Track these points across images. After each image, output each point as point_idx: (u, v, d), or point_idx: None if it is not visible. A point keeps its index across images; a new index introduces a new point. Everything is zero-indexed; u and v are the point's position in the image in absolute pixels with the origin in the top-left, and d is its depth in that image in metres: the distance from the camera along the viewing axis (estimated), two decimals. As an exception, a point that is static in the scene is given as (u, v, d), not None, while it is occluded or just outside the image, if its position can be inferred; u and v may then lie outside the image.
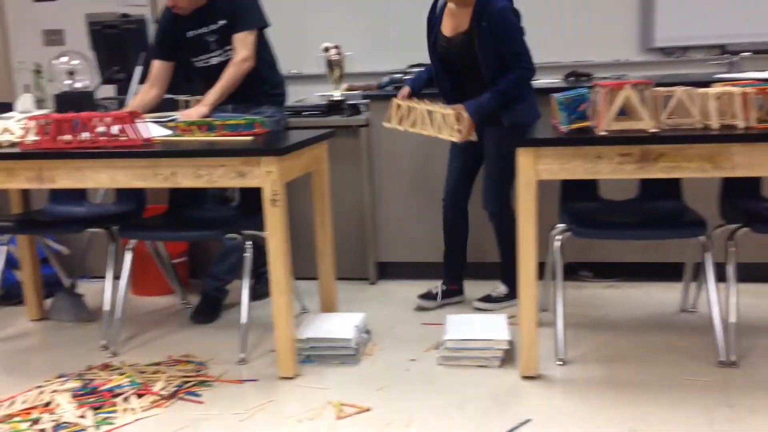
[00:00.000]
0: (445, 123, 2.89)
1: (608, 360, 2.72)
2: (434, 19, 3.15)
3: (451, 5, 3.06)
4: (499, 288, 3.34)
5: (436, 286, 3.35)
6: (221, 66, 3.22)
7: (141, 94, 3.34)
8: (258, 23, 3.26)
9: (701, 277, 3.07)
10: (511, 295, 3.29)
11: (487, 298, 3.31)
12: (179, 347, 3.01)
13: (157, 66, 3.32)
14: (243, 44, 3.19)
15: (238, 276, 3.38)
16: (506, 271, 3.31)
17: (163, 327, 3.27)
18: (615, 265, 3.66)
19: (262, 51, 3.28)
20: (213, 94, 3.15)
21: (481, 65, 3.01)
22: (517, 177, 2.47)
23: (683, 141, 2.31)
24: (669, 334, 2.94)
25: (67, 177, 2.63)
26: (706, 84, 2.56)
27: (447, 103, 3.16)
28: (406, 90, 3.19)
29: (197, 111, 3.09)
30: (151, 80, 3.33)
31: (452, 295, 3.36)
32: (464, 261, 3.38)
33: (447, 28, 3.11)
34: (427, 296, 3.32)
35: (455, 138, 2.87)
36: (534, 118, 3.06)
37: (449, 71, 3.16)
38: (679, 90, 2.40)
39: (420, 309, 3.30)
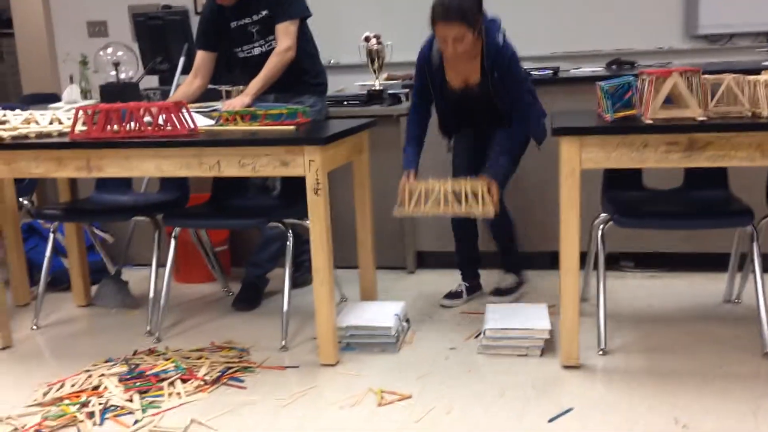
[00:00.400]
0: (475, 199, 2.81)
1: (650, 350, 2.70)
2: (433, 71, 3.00)
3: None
4: (507, 279, 3.32)
5: (459, 284, 3.31)
6: (263, 56, 3.25)
7: (185, 85, 3.38)
8: (300, 13, 3.27)
9: (746, 268, 3.04)
10: (521, 281, 3.28)
11: (498, 291, 3.29)
12: (221, 334, 3.05)
13: (201, 56, 3.36)
14: (285, 34, 3.20)
15: (279, 264, 3.44)
16: (508, 261, 3.30)
17: (205, 314, 3.33)
18: (657, 255, 3.62)
19: (304, 41, 3.30)
20: (255, 84, 3.18)
21: (500, 104, 2.98)
22: (560, 166, 2.45)
23: (732, 129, 2.27)
24: (712, 325, 2.91)
25: (114, 166, 2.68)
26: (754, 72, 2.52)
27: (448, 132, 3.15)
28: (411, 173, 2.97)
29: (240, 101, 3.12)
30: (195, 71, 3.37)
31: (477, 290, 3.34)
32: (479, 254, 3.33)
33: (454, 79, 2.99)
34: (452, 296, 3.29)
35: (490, 214, 2.78)
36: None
37: (457, 110, 3.09)
38: (727, 77, 2.36)
39: (445, 308, 3.27)
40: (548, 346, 2.70)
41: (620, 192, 2.98)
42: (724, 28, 4.30)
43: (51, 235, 3.26)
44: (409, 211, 2.84)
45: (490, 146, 3.07)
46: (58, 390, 2.56)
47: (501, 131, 3.01)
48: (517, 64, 2.94)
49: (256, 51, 3.31)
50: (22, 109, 3.12)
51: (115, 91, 3.47)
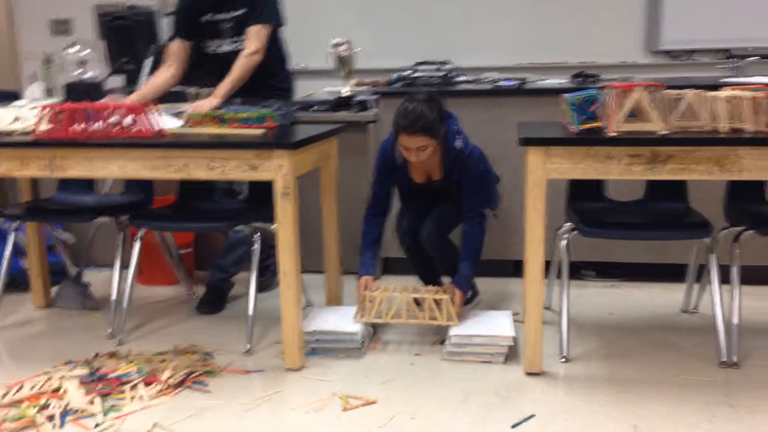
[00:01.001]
0: (438, 309, 2.84)
1: (611, 358, 2.75)
2: (397, 167, 3.03)
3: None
4: None
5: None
6: (231, 54, 3.21)
7: (158, 74, 3.30)
8: (275, 20, 3.25)
9: (703, 279, 3.11)
10: (475, 293, 3.31)
11: None
12: (185, 337, 3.03)
13: (176, 45, 3.30)
14: (256, 37, 3.18)
15: (244, 268, 3.42)
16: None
17: (169, 317, 3.30)
18: (617, 265, 3.69)
19: (275, 46, 3.29)
20: (224, 86, 3.14)
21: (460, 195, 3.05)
22: (526, 176, 2.50)
23: (693, 143, 2.34)
24: (671, 334, 2.98)
25: (78, 166, 2.65)
26: (714, 87, 2.59)
27: (412, 210, 3.15)
28: (369, 280, 3.00)
29: (209, 103, 3.09)
30: (169, 59, 3.30)
31: None
32: (438, 271, 3.28)
33: (418, 176, 3.06)
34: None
35: (453, 323, 2.80)
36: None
37: (420, 194, 3.15)
38: (689, 93, 2.43)
39: None
40: (512, 353, 2.74)
41: (584, 202, 3.04)
42: (685, 44, 4.40)
43: (11, 235, 3.20)
44: (370, 319, 2.87)
45: (444, 197, 3.12)
46: (16, 392, 2.51)
47: (462, 235, 3.03)
48: (474, 161, 2.99)
49: (225, 48, 3.27)
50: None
51: (80, 91, 3.42)
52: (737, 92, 2.43)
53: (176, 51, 3.30)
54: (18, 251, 3.56)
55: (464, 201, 3.02)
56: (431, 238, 3.04)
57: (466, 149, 2.98)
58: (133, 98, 3.13)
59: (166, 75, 3.29)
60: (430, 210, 3.11)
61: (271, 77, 3.33)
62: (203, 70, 3.40)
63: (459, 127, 3.01)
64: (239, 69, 3.16)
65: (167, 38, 3.36)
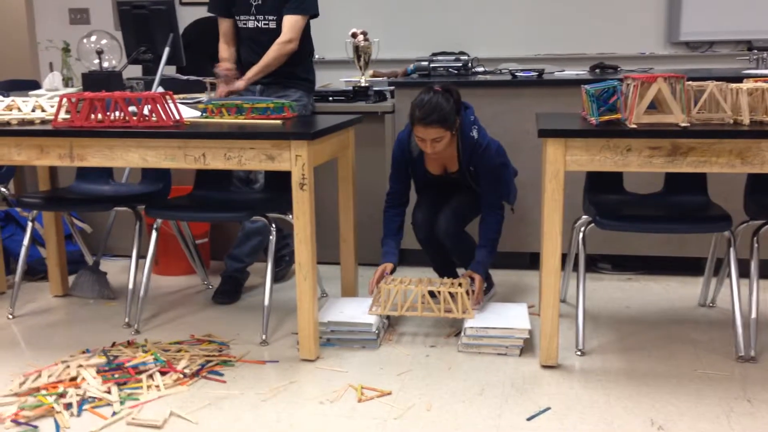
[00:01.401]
0: (454, 301, 2.83)
1: (627, 351, 2.74)
2: (413, 159, 3.04)
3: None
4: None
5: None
6: (257, 31, 3.33)
7: (225, 52, 3.41)
8: (312, 10, 3.33)
9: (721, 273, 3.09)
10: (490, 285, 3.30)
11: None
12: (201, 327, 3.04)
13: (224, 24, 3.41)
14: (292, 27, 3.26)
15: (258, 258, 3.43)
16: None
17: (185, 307, 3.31)
18: (633, 258, 3.67)
19: (304, 37, 3.34)
20: (253, 71, 3.25)
21: (477, 189, 3.05)
22: (544, 168, 2.48)
23: (714, 136, 2.31)
24: (688, 327, 2.96)
25: (98, 155, 2.66)
26: (735, 79, 2.56)
27: (428, 202, 3.13)
28: (389, 267, 3.00)
29: (235, 85, 3.18)
30: (226, 39, 3.42)
31: None
32: (454, 263, 3.27)
33: (433, 168, 3.06)
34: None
35: (469, 316, 2.80)
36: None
37: (436, 186, 3.15)
38: (711, 85, 2.40)
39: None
40: (527, 346, 2.73)
41: (602, 195, 3.02)
42: (705, 36, 4.36)
43: (29, 224, 3.22)
44: (385, 312, 2.87)
45: (461, 188, 3.12)
46: (34, 380, 2.53)
47: (480, 224, 3.04)
48: (491, 154, 2.98)
49: (251, 24, 3.35)
50: (3, 96, 3.08)
51: (99, 80, 3.42)
52: (759, 84, 2.40)
53: (226, 30, 3.42)
54: (36, 240, 3.59)
55: (482, 193, 3.02)
56: (448, 230, 3.03)
57: (483, 140, 2.96)
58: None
59: (230, 53, 3.42)
60: (446, 202, 3.11)
61: (295, 66, 3.36)
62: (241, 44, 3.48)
63: (475, 118, 2.99)
64: (271, 56, 3.25)
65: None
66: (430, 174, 3.10)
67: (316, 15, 3.37)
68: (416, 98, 2.84)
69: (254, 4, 3.31)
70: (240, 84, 3.23)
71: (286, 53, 3.26)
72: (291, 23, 3.27)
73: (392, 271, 3.03)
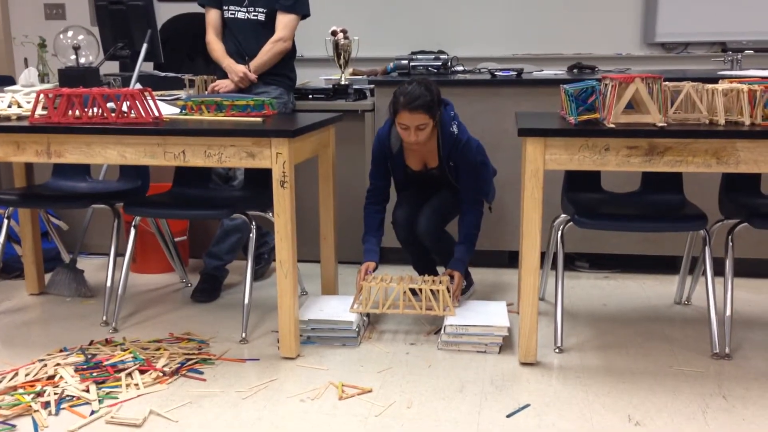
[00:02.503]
0: (435, 299, 2.85)
1: (605, 349, 2.77)
2: (393, 155, 3.05)
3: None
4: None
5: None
6: (246, 22, 3.36)
7: (216, 43, 3.43)
8: (304, 11, 3.39)
9: (696, 271, 3.14)
10: (469, 283, 3.35)
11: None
12: (180, 325, 3.03)
13: (214, 16, 3.43)
14: (285, 26, 3.32)
15: (237, 256, 3.42)
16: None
17: (163, 305, 3.29)
18: (611, 256, 3.71)
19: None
20: (255, 63, 3.32)
21: (456, 185, 3.07)
22: (524, 167, 2.50)
23: (690, 136, 2.34)
24: (664, 325, 3.00)
25: (75, 152, 2.63)
26: (711, 80, 2.60)
27: (408, 200, 3.16)
28: (371, 266, 3.03)
29: (250, 78, 3.33)
30: (215, 31, 3.44)
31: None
32: (434, 260, 3.30)
33: (414, 163, 3.08)
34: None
35: (450, 314, 2.81)
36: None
37: (416, 183, 3.16)
38: (687, 85, 2.44)
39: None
40: (506, 344, 2.75)
41: (580, 194, 3.05)
42: (680, 37, 4.42)
43: (5, 221, 3.18)
44: (367, 310, 2.88)
45: (440, 188, 3.14)
46: (11, 379, 2.50)
47: (459, 221, 3.07)
48: (471, 150, 3.01)
49: (240, 15, 3.37)
50: (-21, 92, 3.04)
51: (75, 76, 3.39)
52: (735, 85, 2.44)
53: (215, 22, 3.44)
54: (11, 237, 3.54)
55: (462, 189, 3.04)
56: (428, 229, 3.05)
57: (463, 136, 2.99)
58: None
59: (221, 45, 3.44)
60: (426, 201, 3.12)
61: (280, 65, 3.40)
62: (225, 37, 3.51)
63: (455, 114, 3.01)
64: (266, 54, 3.32)
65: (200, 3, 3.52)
66: (410, 170, 3.11)
67: (307, 15, 3.42)
68: (398, 88, 2.86)
69: None
70: (253, 77, 3.33)
71: (280, 51, 3.33)
72: (285, 22, 3.32)
73: (374, 269, 3.03)
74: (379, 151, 3.07)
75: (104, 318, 3.04)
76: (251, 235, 2.95)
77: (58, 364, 2.60)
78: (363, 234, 3.12)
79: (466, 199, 3.04)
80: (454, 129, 2.96)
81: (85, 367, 2.59)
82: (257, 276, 3.56)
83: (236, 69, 3.31)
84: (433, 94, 2.85)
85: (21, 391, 2.42)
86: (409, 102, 2.80)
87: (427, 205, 3.10)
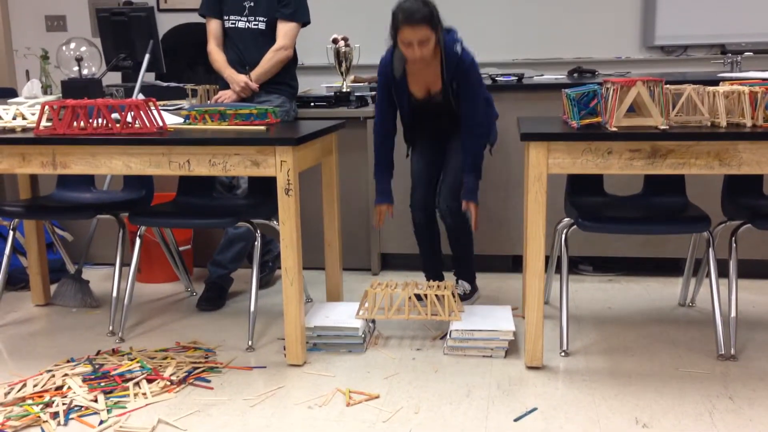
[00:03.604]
0: (440, 304, 2.86)
1: (610, 351, 2.77)
2: (396, 82, 3.04)
3: (413, 67, 3.00)
4: (463, 285, 3.34)
5: (461, 285, 3.34)
6: (246, 32, 3.37)
7: (218, 54, 3.44)
8: (305, 19, 3.41)
9: (700, 273, 3.14)
10: (474, 289, 3.35)
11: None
12: (186, 334, 3.04)
13: (215, 26, 3.45)
14: (286, 34, 3.34)
15: (242, 264, 3.43)
16: (467, 267, 3.34)
17: (169, 314, 3.30)
18: (614, 259, 3.72)
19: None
20: (256, 73, 3.34)
21: (459, 111, 3.05)
22: (527, 171, 2.51)
23: (693, 138, 2.36)
24: (669, 327, 3.00)
25: (81, 162, 2.65)
26: (711, 82, 2.62)
27: (411, 139, 3.19)
28: (391, 209, 3.11)
29: (252, 87, 3.34)
30: (217, 41, 3.45)
31: None
32: (441, 257, 3.36)
33: (417, 89, 3.06)
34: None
35: (456, 319, 2.82)
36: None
37: (420, 117, 3.17)
38: (688, 88, 2.45)
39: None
40: (512, 348, 2.76)
41: (583, 197, 3.06)
42: (680, 40, 4.44)
43: (11, 233, 3.19)
44: (372, 316, 2.90)
45: (448, 156, 3.15)
46: (19, 390, 2.51)
47: (462, 149, 3.06)
48: (476, 72, 3.01)
49: (241, 25, 3.38)
50: (-17, 104, 3.06)
51: (78, 87, 3.41)
52: (736, 87, 2.45)
53: (216, 32, 3.45)
54: (16, 249, 3.55)
55: (463, 114, 3.02)
56: (451, 208, 3.11)
57: (467, 57, 2.97)
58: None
59: (223, 56, 3.44)
60: (443, 180, 3.15)
61: (281, 73, 3.41)
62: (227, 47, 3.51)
63: (461, 39, 3.00)
64: (267, 62, 3.33)
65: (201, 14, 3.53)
66: (414, 99, 3.08)
67: (308, 23, 3.44)
68: (394, 8, 2.87)
69: (247, 6, 3.35)
70: (254, 86, 3.34)
71: (281, 60, 3.35)
72: (285, 30, 3.33)
73: (392, 212, 3.12)
74: (383, 78, 3.07)
75: (110, 328, 3.05)
76: (256, 243, 2.95)
77: (65, 375, 2.61)
78: (374, 172, 3.15)
79: (468, 125, 3.01)
80: (458, 49, 2.94)
81: (92, 377, 2.59)
82: (262, 284, 3.57)
83: (238, 79, 3.33)
84: (431, 6, 2.85)
85: (29, 402, 2.43)
86: (408, 17, 2.79)
87: (443, 184, 3.14)
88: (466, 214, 3.13)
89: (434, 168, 3.21)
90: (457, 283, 3.33)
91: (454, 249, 3.28)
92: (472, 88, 2.99)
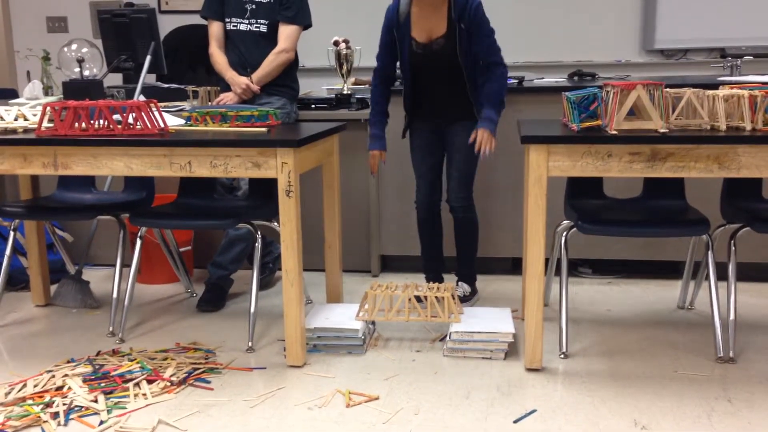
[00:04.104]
0: (440, 306, 2.87)
1: (609, 354, 2.78)
2: (400, 25, 3.06)
3: (419, 9, 3.03)
4: (463, 287, 3.35)
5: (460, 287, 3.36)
6: (247, 34, 3.39)
7: (219, 56, 3.45)
8: (307, 22, 3.43)
9: (699, 276, 3.15)
10: (474, 291, 3.37)
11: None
12: (186, 335, 3.04)
13: (216, 28, 3.46)
14: (288, 37, 3.36)
15: (242, 266, 3.44)
16: (469, 269, 3.36)
17: (169, 315, 3.30)
18: (613, 262, 3.73)
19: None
20: (258, 75, 3.36)
21: (462, 65, 3.04)
22: (527, 174, 2.52)
23: (692, 141, 2.37)
24: (668, 330, 3.01)
25: (82, 163, 2.66)
26: (711, 86, 2.63)
27: (410, 108, 3.19)
28: (384, 156, 3.16)
29: (253, 89, 3.36)
30: (218, 43, 3.47)
31: None
32: (443, 258, 3.40)
33: (419, 34, 3.07)
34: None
35: (455, 320, 2.83)
36: None
37: (420, 74, 3.15)
38: (688, 91, 2.46)
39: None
40: (512, 350, 2.76)
41: (582, 200, 3.07)
42: (679, 44, 4.45)
43: (11, 234, 3.19)
44: (372, 317, 2.91)
45: (453, 151, 3.16)
46: (20, 390, 2.52)
47: (484, 96, 3.06)
48: (484, 14, 3.04)
49: (242, 27, 3.40)
50: (-15, 105, 3.06)
51: (80, 89, 3.41)
52: (735, 91, 2.46)
53: (218, 34, 3.47)
54: (16, 249, 3.56)
55: (480, 52, 3.03)
56: (461, 201, 3.18)
57: (475, 0, 3.01)
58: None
59: (224, 58, 3.46)
60: (448, 174, 3.19)
61: (282, 75, 3.42)
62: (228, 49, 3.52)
63: None
64: (269, 64, 3.35)
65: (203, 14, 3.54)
66: (416, 44, 3.07)
67: (309, 26, 3.45)
68: None
69: (249, 8, 3.37)
70: (255, 88, 3.36)
71: (283, 62, 3.36)
72: (288, 33, 3.35)
73: (384, 159, 3.17)
74: (387, 21, 3.10)
75: (111, 329, 3.06)
76: (257, 244, 2.96)
77: (66, 375, 2.61)
78: (369, 118, 3.21)
79: (487, 62, 3.03)
80: None
81: (93, 377, 2.60)
82: (262, 285, 3.57)
83: (239, 81, 3.34)
84: None
85: (30, 402, 2.43)
86: None
87: (452, 180, 3.19)
88: (473, 207, 3.19)
89: (437, 166, 3.25)
90: (457, 284, 3.34)
91: (459, 246, 3.31)
92: (484, 26, 3.02)
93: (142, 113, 2.67)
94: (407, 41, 3.08)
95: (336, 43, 3.62)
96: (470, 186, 3.21)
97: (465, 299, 3.29)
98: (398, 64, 3.17)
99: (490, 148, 2.98)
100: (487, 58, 3.04)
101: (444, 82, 3.11)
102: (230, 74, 3.38)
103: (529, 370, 2.63)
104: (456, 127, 3.14)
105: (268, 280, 3.66)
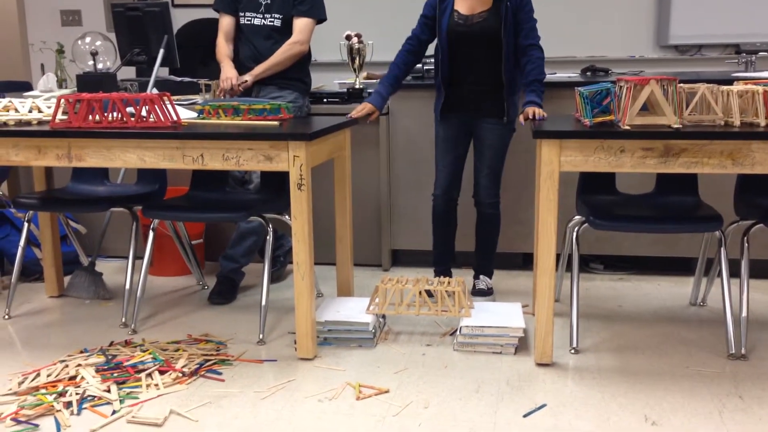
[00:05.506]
0: (450, 299, 2.87)
1: (620, 350, 2.78)
2: (445, 1, 3.11)
3: None
4: (486, 280, 3.37)
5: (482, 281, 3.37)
6: (262, 28, 3.39)
7: (225, 47, 3.46)
8: (321, 15, 3.44)
9: (711, 272, 3.14)
10: (490, 290, 3.37)
11: (481, 292, 3.32)
12: (198, 327, 3.06)
13: (227, 21, 3.47)
14: (302, 30, 3.36)
15: (253, 259, 3.45)
16: (488, 265, 3.37)
17: (181, 307, 3.32)
18: (625, 258, 3.72)
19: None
20: (260, 68, 3.35)
21: (504, 43, 3.04)
22: (539, 169, 2.52)
23: (706, 137, 2.36)
24: (679, 326, 3.00)
25: (96, 156, 2.67)
26: (725, 82, 2.61)
27: (444, 83, 3.17)
28: (371, 109, 3.11)
29: (242, 78, 3.32)
30: (225, 36, 3.48)
31: None
32: (453, 252, 3.42)
33: (463, 6, 3.08)
34: (482, 293, 3.34)
35: (466, 315, 2.82)
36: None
37: (457, 51, 3.12)
38: (702, 87, 2.45)
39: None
40: (522, 345, 2.76)
41: (595, 195, 3.06)
42: (694, 39, 4.42)
43: (25, 225, 3.22)
44: (382, 311, 2.91)
45: (485, 149, 3.18)
46: (33, 380, 2.54)
47: (525, 77, 3.07)
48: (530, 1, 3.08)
49: (257, 21, 3.41)
50: (0, 97, 3.09)
51: (93, 81, 3.43)
52: (750, 86, 2.45)
53: (227, 27, 3.47)
54: (30, 241, 3.59)
55: (525, 33, 3.06)
56: (492, 197, 3.22)
57: None
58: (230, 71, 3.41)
59: (230, 49, 3.47)
60: (461, 158, 3.22)
61: (292, 70, 3.42)
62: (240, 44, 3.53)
63: None
64: (280, 54, 3.35)
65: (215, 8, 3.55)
66: (458, 15, 3.08)
67: (323, 20, 3.45)
68: None
69: (264, 3, 3.38)
70: (248, 79, 3.33)
71: (295, 54, 3.36)
72: (301, 26, 3.35)
73: (375, 117, 3.15)
74: None
75: (123, 320, 3.08)
76: (268, 237, 2.97)
77: (79, 365, 2.64)
78: (380, 79, 3.22)
79: (530, 43, 3.06)
80: None
81: (105, 367, 2.62)
82: (273, 279, 3.59)
83: (227, 74, 3.34)
84: None
85: (43, 391, 2.46)
86: None
87: (481, 176, 3.20)
88: (499, 204, 3.23)
89: (460, 159, 3.26)
90: (479, 278, 3.36)
91: (482, 241, 3.32)
92: (529, 7, 3.07)
93: (156, 106, 2.68)
94: (449, 12, 3.09)
95: (348, 38, 3.62)
96: (499, 182, 3.23)
97: (488, 293, 3.30)
98: (433, 43, 3.18)
99: (543, 114, 2.95)
100: (527, 40, 3.05)
101: (481, 59, 3.10)
102: (225, 64, 3.40)
103: (540, 365, 2.64)
104: (485, 124, 3.15)
105: (279, 274, 3.67)
